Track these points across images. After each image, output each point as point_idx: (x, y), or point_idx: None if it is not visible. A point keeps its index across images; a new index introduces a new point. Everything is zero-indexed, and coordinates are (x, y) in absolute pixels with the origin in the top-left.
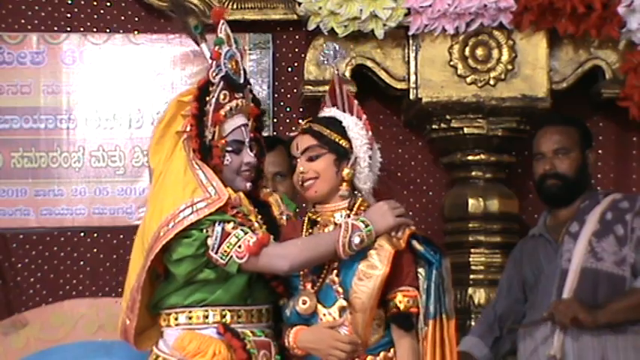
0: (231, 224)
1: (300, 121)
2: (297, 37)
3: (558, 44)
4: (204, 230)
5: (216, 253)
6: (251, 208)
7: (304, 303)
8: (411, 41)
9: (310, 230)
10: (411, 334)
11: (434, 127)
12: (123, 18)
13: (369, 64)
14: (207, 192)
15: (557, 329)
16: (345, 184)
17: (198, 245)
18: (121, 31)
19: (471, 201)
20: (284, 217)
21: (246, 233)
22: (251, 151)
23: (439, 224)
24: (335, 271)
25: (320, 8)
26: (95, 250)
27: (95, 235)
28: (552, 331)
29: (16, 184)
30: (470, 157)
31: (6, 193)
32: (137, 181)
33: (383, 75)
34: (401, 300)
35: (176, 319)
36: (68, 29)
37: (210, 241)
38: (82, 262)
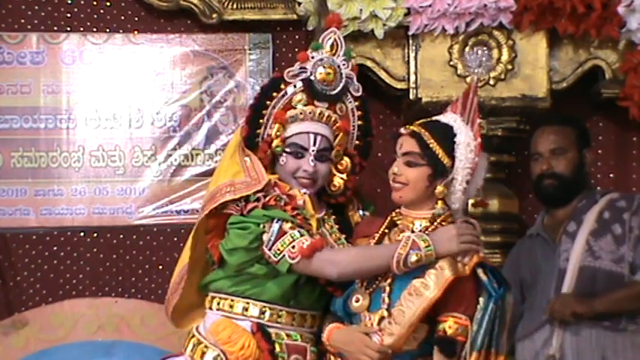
0: (289, 224)
1: None
2: (296, 37)
3: (558, 44)
4: (262, 225)
5: (270, 249)
6: (313, 212)
7: (357, 301)
8: (410, 41)
9: (387, 231)
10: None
11: None
12: (123, 18)
13: (369, 64)
14: (249, 176)
15: (556, 330)
16: (440, 202)
17: (252, 239)
18: (121, 31)
19: (470, 201)
20: (359, 213)
21: (302, 235)
22: (320, 161)
23: None
24: (389, 280)
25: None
26: (95, 249)
27: (95, 234)
28: (551, 332)
29: (16, 183)
30: None
31: (6, 193)
32: (137, 181)
33: (383, 75)
34: (451, 325)
35: (219, 303)
36: (68, 29)
37: (265, 237)
38: (81, 262)
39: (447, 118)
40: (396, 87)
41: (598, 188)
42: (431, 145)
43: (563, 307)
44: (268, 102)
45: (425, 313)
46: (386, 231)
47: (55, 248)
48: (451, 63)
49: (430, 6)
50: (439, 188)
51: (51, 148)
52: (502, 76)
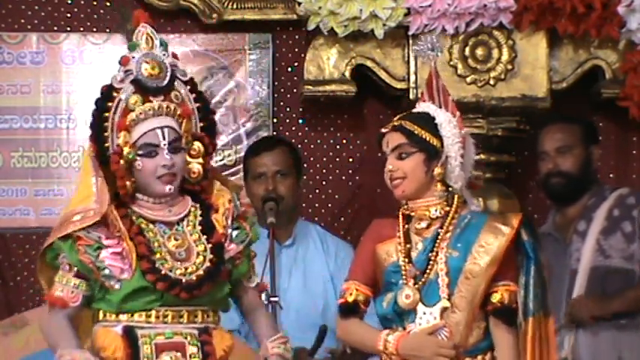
0: (66, 265)
1: (300, 121)
2: (296, 36)
3: (558, 44)
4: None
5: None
6: (122, 228)
7: (407, 297)
8: (410, 41)
9: (407, 225)
10: (512, 329)
11: None
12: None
13: (369, 63)
14: (98, 201)
15: (567, 332)
16: (439, 184)
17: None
18: (121, 31)
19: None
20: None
21: (60, 283)
22: (174, 152)
23: None
24: (444, 269)
25: (320, 8)
26: None
27: None
28: (562, 335)
29: (16, 183)
30: None
31: (6, 193)
32: None
33: (383, 75)
34: (503, 294)
35: (97, 315)
36: (68, 29)
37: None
38: None
39: (420, 107)
40: (396, 87)
41: (606, 185)
42: (416, 132)
43: (580, 311)
44: (106, 114)
45: (485, 293)
46: (407, 226)
47: None
48: (451, 63)
49: (430, 6)
50: (437, 170)
51: (51, 148)
52: (502, 76)
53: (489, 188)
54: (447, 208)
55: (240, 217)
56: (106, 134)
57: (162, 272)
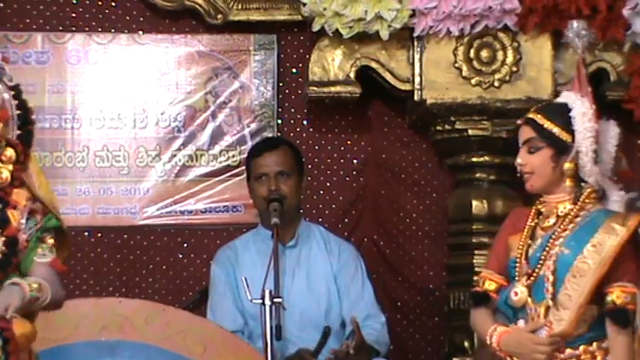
0: None
1: (305, 122)
2: (301, 38)
3: (563, 46)
4: None
5: None
6: None
7: (516, 295)
8: (415, 43)
9: (537, 220)
10: (627, 331)
11: (438, 128)
12: (128, 18)
13: (374, 65)
14: None
15: None
16: (568, 179)
17: None
18: (126, 31)
19: (474, 202)
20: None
21: None
22: None
23: (443, 226)
24: (551, 267)
25: (325, 9)
26: (99, 249)
27: (99, 234)
28: None
29: None
30: (474, 159)
31: None
32: (141, 181)
33: (387, 76)
34: (618, 295)
35: None
36: (73, 29)
37: None
38: (85, 262)
39: (562, 97)
40: (401, 88)
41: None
42: (546, 126)
43: None
44: None
45: (593, 292)
46: (537, 221)
47: None
48: (456, 65)
49: (435, 7)
50: (567, 165)
51: (55, 148)
52: (507, 78)
53: (493, 190)
54: (574, 205)
55: (34, 210)
56: None
57: None
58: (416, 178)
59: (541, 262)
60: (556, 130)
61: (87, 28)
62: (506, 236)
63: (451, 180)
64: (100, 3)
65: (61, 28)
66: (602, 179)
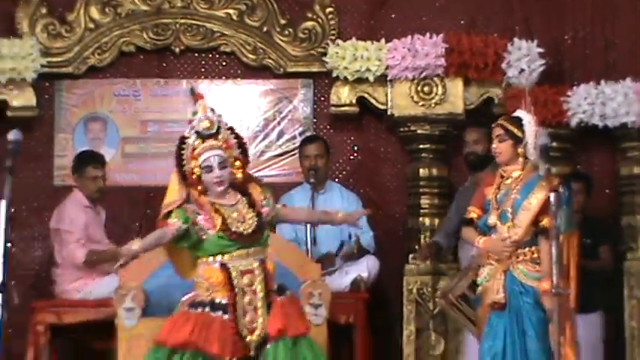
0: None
1: (328, 127)
2: (326, 80)
3: (469, 84)
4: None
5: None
6: (209, 206)
7: (491, 220)
8: (389, 83)
9: (501, 180)
10: (549, 241)
11: (401, 129)
12: (232, 71)
13: (366, 95)
14: (176, 200)
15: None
16: (520, 157)
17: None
18: (229, 78)
19: (421, 170)
20: (264, 203)
21: (171, 220)
22: (220, 169)
23: (404, 184)
24: (510, 205)
25: (339, 65)
26: None
27: None
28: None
29: None
30: (421, 146)
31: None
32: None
33: (373, 102)
34: (546, 222)
35: (199, 258)
36: (202, 77)
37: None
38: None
39: (517, 112)
40: (381, 108)
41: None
42: (509, 128)
43: None
44: (182, 151)
45: (533, 220)
46: (500, 180)
47: None
48: (411, 95)
49: (399, 64)
50: (520, 150)
51: None
52: (438, 102)
53: (432, 163)
54: (522, 171)
55: (266, 197)
56: (184, 162)
57: (233, 229)
58: (389, 157)
59: (504, 202)
60: (515, 130)
61: (206, 77)
62: (484, 188)
63: (409, 158)
64: (217, 62)
65: (196, 76)
66: (536, 158)
